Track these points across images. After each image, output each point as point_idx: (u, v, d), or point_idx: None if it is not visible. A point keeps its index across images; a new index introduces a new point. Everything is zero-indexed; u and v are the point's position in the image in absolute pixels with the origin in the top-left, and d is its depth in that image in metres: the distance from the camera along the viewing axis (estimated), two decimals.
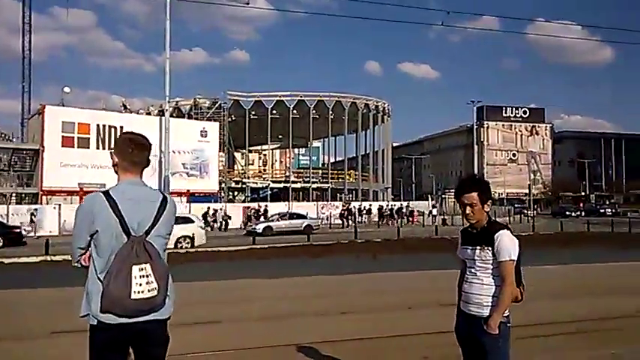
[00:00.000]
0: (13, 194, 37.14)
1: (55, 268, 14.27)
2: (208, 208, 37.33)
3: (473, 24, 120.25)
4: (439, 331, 5.44)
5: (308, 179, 57.95)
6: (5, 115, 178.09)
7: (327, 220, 40.18)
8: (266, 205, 40.54)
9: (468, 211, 3.22)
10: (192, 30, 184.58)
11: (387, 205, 45.04)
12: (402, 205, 46.46)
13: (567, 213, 50.98)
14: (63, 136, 37.77)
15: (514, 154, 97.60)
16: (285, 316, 7.45)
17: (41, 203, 35.68)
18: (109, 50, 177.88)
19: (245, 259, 15.68)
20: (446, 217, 40.99)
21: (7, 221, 30.23)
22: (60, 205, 34.75)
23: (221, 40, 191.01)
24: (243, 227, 36.73)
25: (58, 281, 10.33)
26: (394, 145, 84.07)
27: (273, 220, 33.15)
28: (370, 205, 45.80)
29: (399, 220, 40.02)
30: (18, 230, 27.29)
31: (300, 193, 57.92)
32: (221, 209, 38.54)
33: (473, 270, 3.25)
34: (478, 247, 3.21)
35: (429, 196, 59.21)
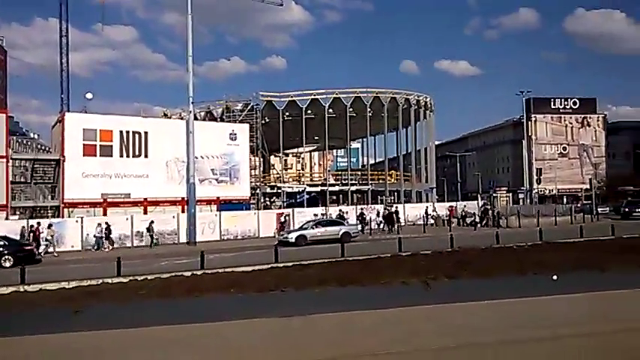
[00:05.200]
0: (35, 208, 35.26)
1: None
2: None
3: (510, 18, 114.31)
4: None
5: (346, 182, 54.75)
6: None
7: (367, 224, 36.83)
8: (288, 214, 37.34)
9: None
10: (229, 41, 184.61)
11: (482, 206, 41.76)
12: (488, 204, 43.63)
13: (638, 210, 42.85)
14: (84, 145, 35.54)
15: (564, 148, 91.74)
16: None
17: (62, 216, 33.71)
18: (150, 63, 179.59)
19: (256, 285, 12.07)
20: (500, 217, 36.87)
21: (28, 237, 28.32)
22: (82, 218, 32.67)
23: (258, 49, 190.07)
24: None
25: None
26: (436, 143, 79.94)
27: (306, 229, 30.09)
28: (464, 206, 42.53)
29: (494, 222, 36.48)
30: (30, 247, 25.26)
31: (340, 196, 54.90)
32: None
33: None
34: None
35: (478, 195, 54.89)
